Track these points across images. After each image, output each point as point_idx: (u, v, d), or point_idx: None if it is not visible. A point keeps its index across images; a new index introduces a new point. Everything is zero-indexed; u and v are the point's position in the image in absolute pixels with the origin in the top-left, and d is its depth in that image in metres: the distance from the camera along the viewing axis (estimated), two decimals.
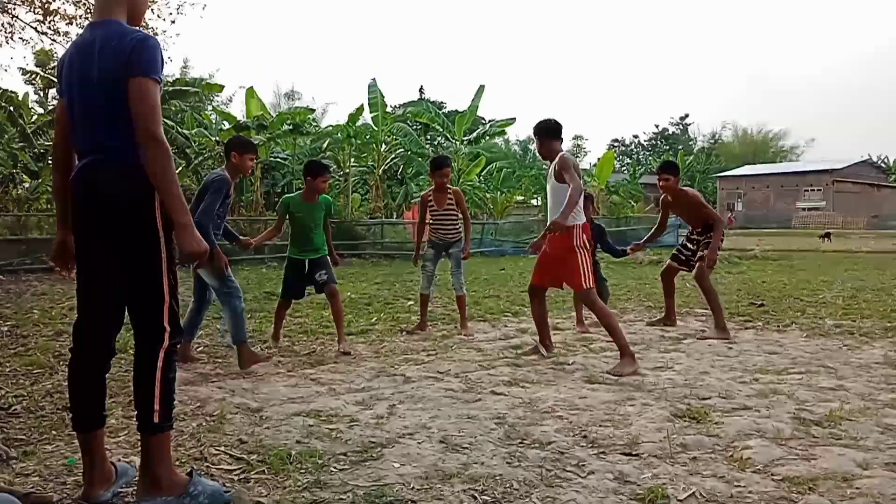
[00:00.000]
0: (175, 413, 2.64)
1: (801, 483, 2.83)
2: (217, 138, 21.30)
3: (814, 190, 62.44)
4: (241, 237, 5.83)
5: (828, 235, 32.05)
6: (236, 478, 2.88)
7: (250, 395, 4.23)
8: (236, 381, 4.60)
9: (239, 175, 5.13)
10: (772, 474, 2.94)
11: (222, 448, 3.23)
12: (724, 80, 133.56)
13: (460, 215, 6.71)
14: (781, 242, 28.77)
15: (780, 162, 74.00)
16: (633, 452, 3.22)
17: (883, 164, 71.97)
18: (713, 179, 67.98)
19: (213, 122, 26.83)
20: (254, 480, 2.85)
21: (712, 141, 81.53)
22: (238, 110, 30.59)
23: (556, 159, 5.22)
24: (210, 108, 30.76)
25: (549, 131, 5.35)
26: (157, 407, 2.51)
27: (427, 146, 24.61)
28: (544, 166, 43.28)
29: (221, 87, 23.28)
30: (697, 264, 6.66)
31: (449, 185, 6.75)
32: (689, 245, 7.01)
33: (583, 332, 6.65)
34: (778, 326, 7.01)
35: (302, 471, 2.93)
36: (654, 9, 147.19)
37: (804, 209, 60.41)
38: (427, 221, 6.97)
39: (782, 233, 42.87)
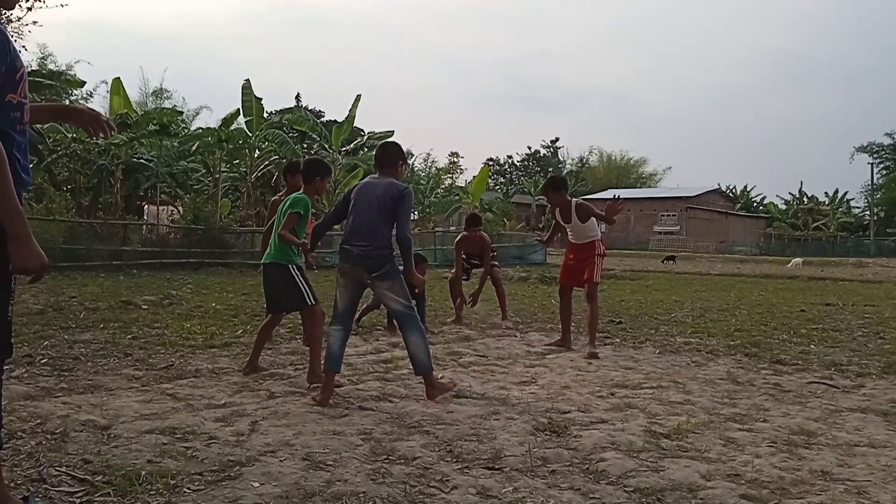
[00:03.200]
0: (9, 431, 2.41)
1: (651, 494, 2.98)
2: (74, 135, 19.90)
3: (669, 215, 66.82)
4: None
5: (672, 258, 34.26)
6: (78, 501, 2.67)
7: (98, 411, 3.94)
8: (83, 397, 4.28)
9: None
10: (624, 486, 3.08)
11: (64, 469, 2.98)
12: (593, 105, 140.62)
13: None
14: (639, 264, 30.57)
15: (641, 187, 78.64)
16: (496, 466, 3.27)
17: (731, 194, 78.15)
18: None
19: None
20: (97, 503, 2.65)
21: (580, 164, 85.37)
22: (99, 106, 28.81)
23: (574, 205, 6.82)
24: (67, 102, 28.76)
25: (563, 185, 7.13)
26: None
27: (303, 155, 24.13)
28: (422, 182, 43.76)
29: (82, 83, 21.92)
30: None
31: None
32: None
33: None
34: (634, 343, 7.41)
35: (151, 492, 2.76)
36: (528, 27, 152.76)
37: (660, 233, 64.48)
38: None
39: (640, 254, 45.45)
